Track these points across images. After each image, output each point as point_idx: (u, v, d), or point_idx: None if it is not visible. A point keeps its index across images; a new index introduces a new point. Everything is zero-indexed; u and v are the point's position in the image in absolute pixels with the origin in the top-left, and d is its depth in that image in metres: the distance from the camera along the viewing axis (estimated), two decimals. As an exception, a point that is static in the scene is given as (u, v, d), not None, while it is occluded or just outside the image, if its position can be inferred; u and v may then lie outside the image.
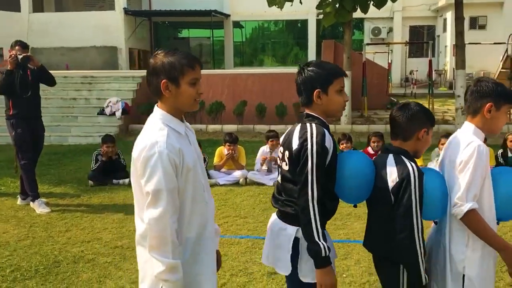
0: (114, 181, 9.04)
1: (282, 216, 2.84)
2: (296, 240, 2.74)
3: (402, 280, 2.73)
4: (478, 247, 2.72)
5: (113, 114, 14.99)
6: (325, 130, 2.71)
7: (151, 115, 2.63)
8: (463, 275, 2.74)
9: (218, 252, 2.87)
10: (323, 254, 2.58)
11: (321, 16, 15.39)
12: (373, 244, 2.91)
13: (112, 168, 9.12)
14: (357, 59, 17.29)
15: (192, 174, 2.56)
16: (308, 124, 2.73)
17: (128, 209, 7.36)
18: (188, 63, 2.53)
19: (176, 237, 2.47)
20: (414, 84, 24.30)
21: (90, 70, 20.09)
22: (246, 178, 8.95)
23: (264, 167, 9.15)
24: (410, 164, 2.70)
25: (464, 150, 2.71)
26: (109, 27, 26.62)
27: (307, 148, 2.63)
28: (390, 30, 30.62)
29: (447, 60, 27.36)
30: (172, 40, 34.29)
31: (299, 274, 2.74)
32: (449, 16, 26.34)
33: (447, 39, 27.34)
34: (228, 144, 9.17)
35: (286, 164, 2.80)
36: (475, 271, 2.74)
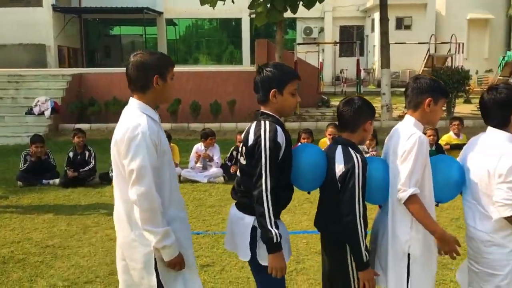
0: (44, 181, 8.87)
1: (240, 207, 3.08)
2: (254, 229, 2.97)
3: (350, 260, 3.01)
4: (420, 228, 2.96)
5: (42, 113, 14.57)
6: (277, 126, 2.92)
7: (126, 106, 2.94)
8: (408, 254, 3.00)
9: None
10: (275, 241, 2.81)
11: (253, 16, 15.65)
12: (322, 225, 3.18)
13: (41, 169, 8.93)
14: (289, 58, 17.66)
15: (167, 158, 2.92)
16: (262, 122, 2.95)
17: (58, 209, 7.26)
18: (171, 61, 2.96)
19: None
20: (344, 82, 25.11)
21: (16, 69, 19.37)
22: (180, 176, 9.00)
23: (199, 165, 9.24)
24: (356, 155, 2.97)
25: (406, 141, 2.94)
26: (37, 24, 25.73)
27: (260, 144, 2.86)
28: (322, 30, 31.45)
29: (375, 59, 28.37)
30: (103, 38, 33.60)
31: (258, 259, 2.98)
32: (377, 16, 27.28)
33: (375, 38, 28.35)
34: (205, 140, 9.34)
35: (244, 159, 3.03)
36: (419, 250, 3.00)
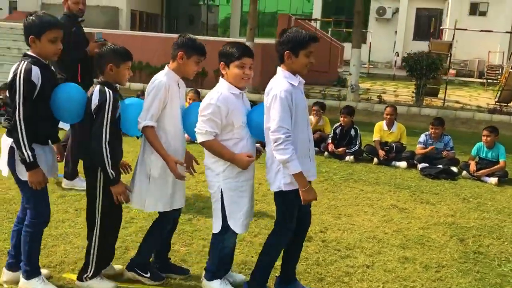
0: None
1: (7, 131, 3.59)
2: (11, 149, 3.48)
3: (99, 178, 3.60)
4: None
5: None
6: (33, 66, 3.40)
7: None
8: (149, 175, 3.73)
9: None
10: (28, 161, 3.38)
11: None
12: (79, 154, 3.80)
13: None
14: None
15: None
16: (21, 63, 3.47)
17: None
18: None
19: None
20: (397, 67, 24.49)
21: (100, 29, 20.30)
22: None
23: None
24: (109, 92, 3.53)
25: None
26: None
27: (15, 80, 3.36)
28: (396, 11, 30.49)
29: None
30: (187, 6, 34.31)
31: (18, 175, 3.52)
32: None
33: (447, 23, 27.21)
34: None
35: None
36: (157, 171, 3.72)
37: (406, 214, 5.90)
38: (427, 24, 30.01)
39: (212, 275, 3.81)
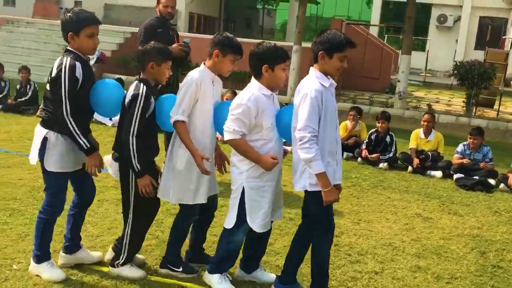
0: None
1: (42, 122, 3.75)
2: (44, 139, 3.65)
3: (129, 171, 3.71)
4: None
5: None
6: (76, 62, 3.58)
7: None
8: (175, 168, 3.82)
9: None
10: (85, 147, 3.60)
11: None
12: (116, 146, 3.85)
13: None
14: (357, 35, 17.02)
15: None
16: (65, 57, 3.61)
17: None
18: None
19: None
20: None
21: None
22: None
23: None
24: (143, 88, 3.65)
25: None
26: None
27: (60, 76, 3.52)
28: (458, 19, 29.61)
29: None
30: (244, 9, 34.62)
31: (44, 165, 3.68)
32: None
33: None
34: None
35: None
36: (182, 165, 3.82)
37: (429, 223, 5.75)
38: (490, 33, 28.95)
39: (215, 267, 3.85)
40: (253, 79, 3.66)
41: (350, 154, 8.57)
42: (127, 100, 3.66)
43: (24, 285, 3.69)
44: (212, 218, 4.24)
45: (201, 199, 3.89)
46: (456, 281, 4.37)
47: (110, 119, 9.15)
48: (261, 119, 3.56)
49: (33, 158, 3.72)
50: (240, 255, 4.00)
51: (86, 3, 28.86)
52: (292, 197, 5.88)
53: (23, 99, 10.40)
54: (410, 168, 8.00)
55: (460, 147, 8.00)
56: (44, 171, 3.71)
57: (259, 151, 3.59)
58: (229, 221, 3.75)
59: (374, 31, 27.40)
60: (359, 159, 8.35)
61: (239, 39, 3.85)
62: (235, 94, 9.35)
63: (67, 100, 3.49)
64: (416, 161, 7.94)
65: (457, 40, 29.54)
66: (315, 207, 3.64)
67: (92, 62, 15.85)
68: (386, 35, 25.46)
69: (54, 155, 3.63)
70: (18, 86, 10.62)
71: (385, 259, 4.68)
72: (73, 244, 3.96)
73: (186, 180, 3.83)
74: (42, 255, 3.79)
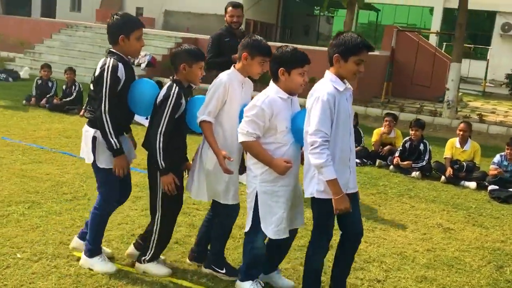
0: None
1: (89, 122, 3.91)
2: (94, 139, 3.80)
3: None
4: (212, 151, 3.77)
5: (138, 65, 16.24)
6: (119, 63, 3.71)
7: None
8: (205, 168, 3.85)
9: None
10: (115, 148, 3.71)
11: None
12: (145, 143, 3.89)
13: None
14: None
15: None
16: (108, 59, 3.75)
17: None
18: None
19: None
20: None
21: (203, 36, 21.34)
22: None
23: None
24: (175, 88, 3.74)
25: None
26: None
27: (102, 75, 3.67)
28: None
29: None
30: (302, 16, 34.63)
31: (97, 162, 3.84)
32: None
33: None
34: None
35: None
36: (211, 166, 3.83)
37: (449, 234, 5.55)
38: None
39: (244, 275, 3.83)
40: (271, 81, 3.65)
41: (384, 162, 8.39)
42: (159, 99, 3.74)
43: (23, 273, 3.84)
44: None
45: (233, 201, 3.90)
46: (462, 294, 4.21)
47: (147, 118, 9.36)
48: (275, 122, 3.53)
49: (89, 157, 3.86)
50: None
51: (147, 10, 29.80)
52: (308, 202, 5.82)
53: (68, 99, 10.83)
54: (443, 177, 7.74)
55: (497, 158, 7.67)
56: (97, 169, 3.87)
57: (273, 154, 3.55)
58: (247, 226, 3.76)
59: (433, 40, 26.69)
60: (391, 167, 8.16)
61: (296, 46, 3.75)
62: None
63: (107, 99, 3.64)
64: (449, 170, 7.67)
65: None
66: (318, 214, 3.60)
67: (143, 66, 16.55)
68: (444, 43, 24.75)
69: (105, 152, 3.78)
70: (64, 87, 11.08)
71: (391, 267, 4.57)
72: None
73: (214, 181, 3.86)
74: (95, 249, 3.94)
